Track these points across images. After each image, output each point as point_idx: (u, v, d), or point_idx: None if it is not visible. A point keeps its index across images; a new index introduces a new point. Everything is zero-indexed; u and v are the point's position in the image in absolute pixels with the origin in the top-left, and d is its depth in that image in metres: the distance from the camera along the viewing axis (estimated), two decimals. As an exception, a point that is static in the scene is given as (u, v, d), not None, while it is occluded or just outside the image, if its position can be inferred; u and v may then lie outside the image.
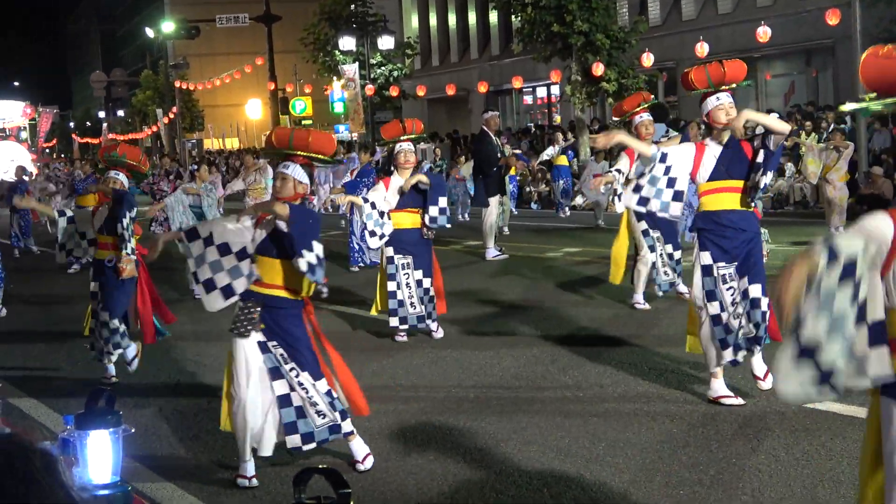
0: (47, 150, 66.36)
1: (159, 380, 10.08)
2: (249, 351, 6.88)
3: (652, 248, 12.35)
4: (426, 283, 11.19)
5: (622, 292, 13.61)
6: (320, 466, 2.63)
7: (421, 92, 45.36)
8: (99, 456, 3.70)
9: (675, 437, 7.44)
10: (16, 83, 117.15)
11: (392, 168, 11.42)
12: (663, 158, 8.16)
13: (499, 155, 18.47)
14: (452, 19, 54.30)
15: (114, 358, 10.04)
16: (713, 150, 8.11)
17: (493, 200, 18.17)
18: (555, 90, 46.35)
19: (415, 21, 55.89)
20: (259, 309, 6.90)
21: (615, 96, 32.73)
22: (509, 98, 51.50)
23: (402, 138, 11.28)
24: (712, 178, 8.09)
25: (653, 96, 12.92)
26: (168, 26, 58.53)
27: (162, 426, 8.38)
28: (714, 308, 8.06)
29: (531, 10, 31.99)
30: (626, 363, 9.64)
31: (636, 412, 8.10)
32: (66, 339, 12.54)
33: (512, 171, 19.16)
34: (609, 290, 13.89)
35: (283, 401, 6.90)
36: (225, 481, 7.10)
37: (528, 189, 31.43)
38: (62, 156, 76.75)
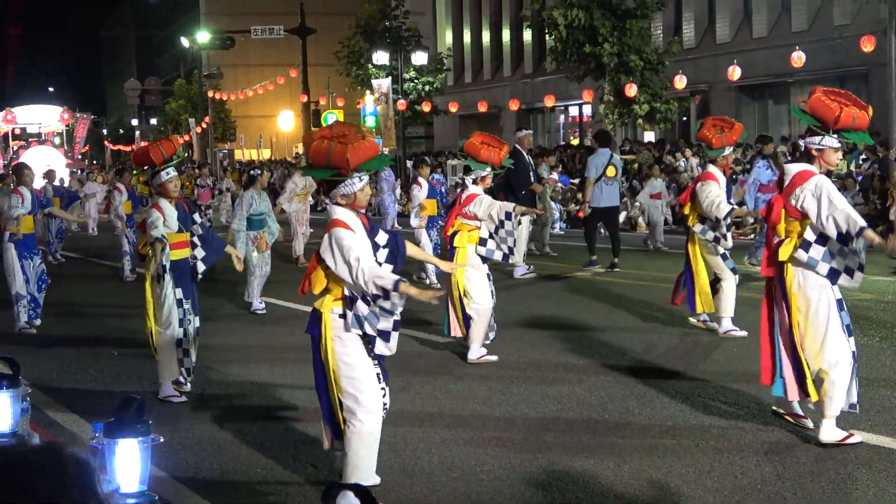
0: (79, 157, 66.61)
1: (183, 389, 10.09)
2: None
3: (734, 271, 12.06)
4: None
5: (647, 312, 13.58)
6: (349, 482, 2.63)
7: (453, 108, 45.42)
8: (127, 464, 3.72)
9: (700, 463, 7.40)
10: (50, 88, 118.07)
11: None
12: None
13: (531, 174, 18.45)
14: (486, 36, 54.40)
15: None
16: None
17: (524, 218, 18.18)
18: (587, 109, 46.35)
19: (449, 37, 56.01)
20: None
21: (646, 119, 32.71)
22: (541, 116, 51.52)
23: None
24: None
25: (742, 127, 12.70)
26: (203, 36, 58.88)
27: (186, 436, 8.40)
28: (853, 344, 7.82)
29: (564, 30, 31.99)
30: (653, 386, 9.60)
31: (662, 435, 8.07)
32: (95, 347, 12.61)
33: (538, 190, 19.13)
34: (636, 309, 13.87)
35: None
36: (250, 493, 7.10)
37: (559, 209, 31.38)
38: (94, 163, 77.11)
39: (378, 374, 6.64)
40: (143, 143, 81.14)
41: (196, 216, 10.17)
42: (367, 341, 6.56)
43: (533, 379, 10.13)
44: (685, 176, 29.37)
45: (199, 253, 9.96)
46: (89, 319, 15.15)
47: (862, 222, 7.43)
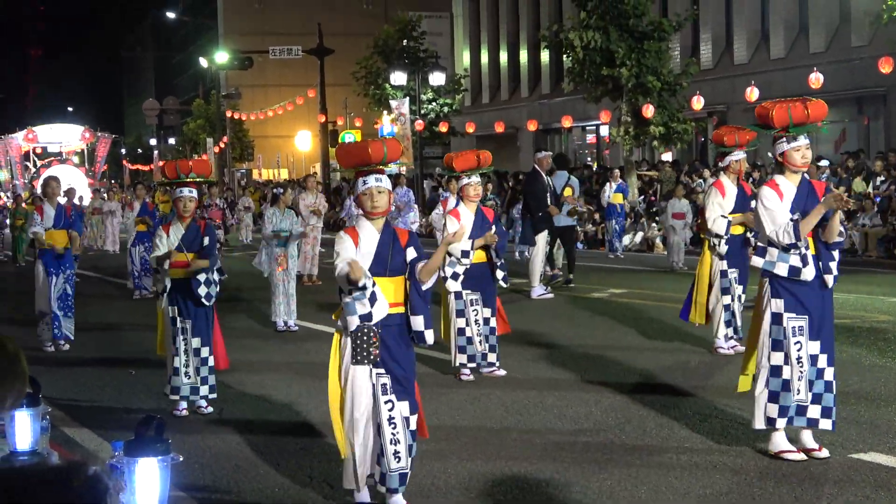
0: (99, 176, 66.95)
1: (201, 411, 10.11)
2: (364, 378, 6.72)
3: (725, 291, 12.02)
4: (492, 321, 11.26)
5: (664, 332, 13.57)
6: None
7: (470, 129, 45.50)
8: (147, 483, 3.73)
9: (717, 483, 7.38)
10: (69, 108, 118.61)
11: (458, 200, 11.49)
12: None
13: (548, 195, 18.49)
14: (504, 57, 54.52)
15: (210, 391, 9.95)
16: (787, 193, 7.80)
17: (541, 239, 18.22)
18: (604, 130, 46.40)
19: (466, 58, 56.15)
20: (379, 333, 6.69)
21: (662, 140, 32.68)
22: (558, 137, 51.56)
23: (472, 171, 11.27)
24: None
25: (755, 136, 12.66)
26: (222, 56, 59.11)
27: (204, 455, 8.42)
28: (777, 359, 7.78)
29: (581, 52, 32.03)
30: (670, 407, 9.58)
31: (679, 457, 8.05)
32: (112, 366, 12.65)
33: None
34: (653, 331, 13.85)
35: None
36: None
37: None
38: (113, 182, 77.37)
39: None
40: (161, 163, 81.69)
41: (205, 239, 9.99)
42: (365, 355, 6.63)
43: (549, 399, 10.12)
44: (703, 197, 29.35)
45: (210, 276, 9.82)
46: (106, 338, 15.20)
47: (793, 232, 7.56)
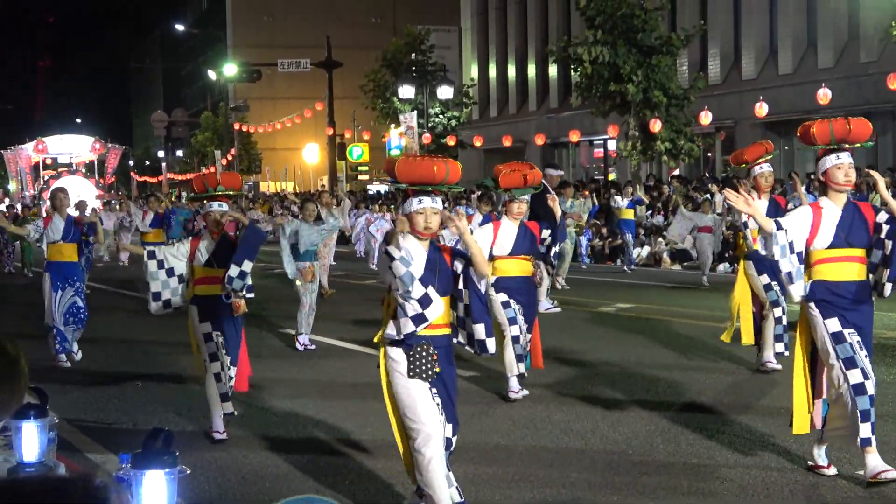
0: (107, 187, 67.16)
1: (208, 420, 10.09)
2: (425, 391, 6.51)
3: (776, 304, 11.71)
4: (528, 336, 10.85)
5: (671, 347, 13.54)
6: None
7: (478, 142, 45.55)
8: (154, 496, 3.72)
9: (725, 502, 7.36)
10: (78, 119, 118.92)
11: (501, 213, 10.93)
12: (779, 227, 7.53)
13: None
14: (512, 71, 54.61)
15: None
16: (831, 215, 7.54)
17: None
18: (612, 144, 46.43)
19: (474, 72, 56.25)
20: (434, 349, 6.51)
21: (668, 155, 32.69)
22: (566, 151, 51.60)
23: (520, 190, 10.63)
24: (832, 245, 7.52)
25: (772, 146, 12.54)
26: (230, 69, 59.32)
27: (211, 468, 8.40)
28: (855, 377, 7.40)
29: (589, 66, 32.07)
30: (677, 422, 9.55)
31: (686, 473, 8.02)
32: (120, 378, 12.65)
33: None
34: (660, 345, 13.83)
35: None
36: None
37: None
38: (121, 193, 77.57)
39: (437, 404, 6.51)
40: (169, 175, 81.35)
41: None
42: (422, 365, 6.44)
43: (556, 414, 10.10)
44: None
45: (234, 271, 9.32)
46: (114, 350, 15.19)
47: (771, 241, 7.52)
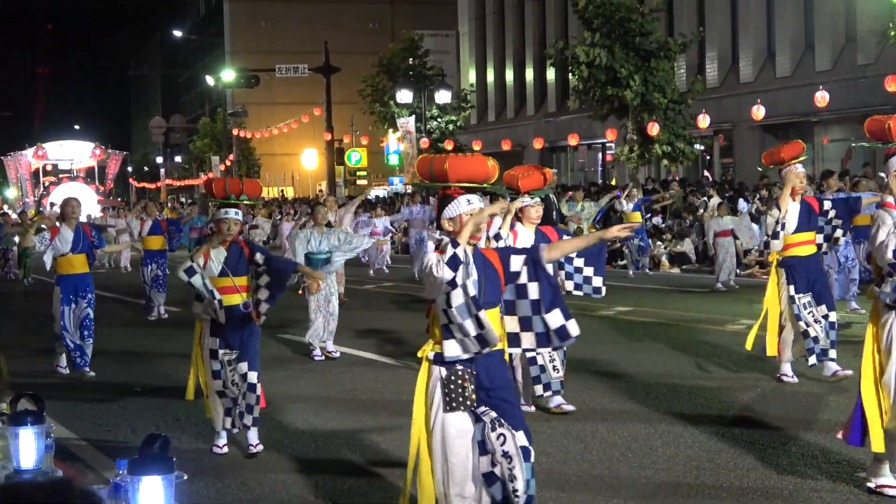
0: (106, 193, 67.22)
1: (208, 426, 10.09)
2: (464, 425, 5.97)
3: (799, 317, 11.25)
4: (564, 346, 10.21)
5: (671, 352, 13.54)
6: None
7: (476, 146, 45.58)
8: (151, 502, 3.72)
9: (724, 500, 7.35)
10: (76, 126, 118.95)
11: (517, 219, 10.19)
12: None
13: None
14: (510, 75, 54.65)
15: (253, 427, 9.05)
16: None
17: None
18: (610, 148, 46.46)
19: (472, 76, 56.29)
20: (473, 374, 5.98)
21: (667, 158, 32.69)
22: (564, 155, 51.63)
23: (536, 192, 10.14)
24: None
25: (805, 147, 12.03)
26: (228, 75, 59.36)
27: (210, 473, 8.40)
28: None
29: (586, 69, 32.08)
30: (677, 425, 9.54)
31: (685, 475, 8.02)
32: (118, 384, 12.65)
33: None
34: (660, 349, 13.82)
35: (489, 479, 5.99)
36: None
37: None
38: (120, 199, 77.60)
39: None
40: (167, 181, 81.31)
41: (258, 255, 9.06)
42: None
43: (556, 417, 10.09)
44: (707, 216, 29.30)
45: (263, 294, 9.02)
46: (112, 356, 15.17)
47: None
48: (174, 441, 7.83)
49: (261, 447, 8.93)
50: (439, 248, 5.86)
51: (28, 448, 4.58)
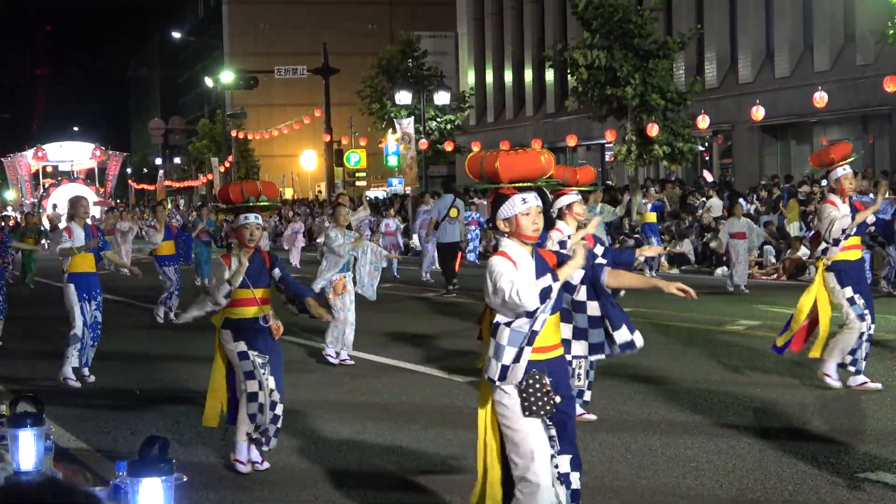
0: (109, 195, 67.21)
1: (207, 428, 10.08)
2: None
3: (862, 317, 10.95)
4: None
5: (670, 352, 13.52)
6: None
7: (476, 147, 45.58)
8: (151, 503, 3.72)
9: (724, 501, 7.36)
10: (75, 128, 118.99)
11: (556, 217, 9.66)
12: None
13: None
14: (508, 76, 54.65)
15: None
16: None
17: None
18: (609, 149, 46.44)
19: (471, 77, 56.30)
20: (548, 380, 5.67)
21: (668, 159, 32.68)
22: (563, 155, 51.62)
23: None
24: None
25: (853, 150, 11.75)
26: (227, 76, 59.39)
27: (209, 475, 8.39)
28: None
29: (585, 71, 32.08)
30: (676, 426, 9.54)
31: (685, 476, 8.01)
32: (118, 386, 12.64)
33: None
34: (658, 350, 13.80)
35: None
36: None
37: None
38: (119, 200, 77.59)
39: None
40: (166, 183, 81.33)
41: (276, 271, 8.67)
42: None
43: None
44: (706, 216, 29.33)
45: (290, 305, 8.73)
46: (112, 358, 15.16)
47: None
48: (173, 443, 7.83)
49: (267, 465, 8.52)
50: (501, 251, 5.69)
51: (27, 450, 4.59)
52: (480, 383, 5.77)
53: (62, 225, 13.38)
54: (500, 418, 5.63)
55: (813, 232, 12.06)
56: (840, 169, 11.07)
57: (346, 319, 13.59)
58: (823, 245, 11.14)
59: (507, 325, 5.49)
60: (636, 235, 28.99)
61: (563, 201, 9.40)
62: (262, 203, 8.65)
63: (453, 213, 22.51)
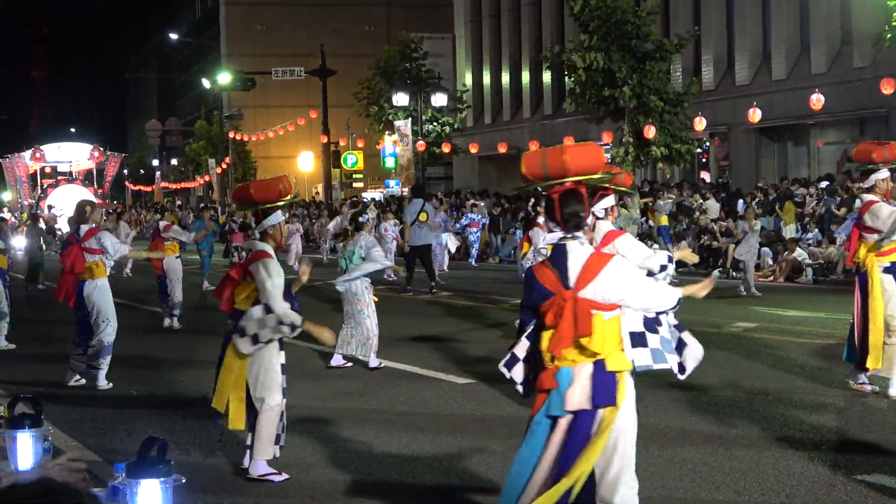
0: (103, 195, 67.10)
1: (205, 430, 10.09)
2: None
3: None
4: None
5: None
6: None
7: (473, 149, 45.59)
8: (149, 505, 3.72)
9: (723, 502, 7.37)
10: (72, 129, 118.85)
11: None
12: None
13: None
14: (506, 78, 54.63)
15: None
16: None
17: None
18: (606, 150, 46.42)
19: (469, 79, 56.27)
20: None
21: (665, 160, 32.65)
22: (560, 157, 51.61)
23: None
24: None
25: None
26: (224, 78, 59.32)
27: (207, 477, 8.39)
28: None
29: (583, 73, 32.05)
30: (674, 427, 9.55)
31: (682, 478, 8.02)
32: (116, 387, 12.62)
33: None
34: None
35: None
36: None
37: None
38: (116, 202, 77.47)
39: None
40: (163, 184, 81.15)
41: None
42: None
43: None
44: (703, 218, 29.32)
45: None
46: (113, 361, 15.11)
47: None
48: (171, 445, 7.81)
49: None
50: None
51: (26, 451, 4.59)
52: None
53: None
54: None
55: (847, 234, 11.54)
56: (884, 170, 10.74)
57: (371, 326, 13.28)
58: (878, 237, 10.58)
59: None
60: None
61: (608, 202, 8.77)
62: (294, 199, 8.54)
63: (423, 217, 23.07)
